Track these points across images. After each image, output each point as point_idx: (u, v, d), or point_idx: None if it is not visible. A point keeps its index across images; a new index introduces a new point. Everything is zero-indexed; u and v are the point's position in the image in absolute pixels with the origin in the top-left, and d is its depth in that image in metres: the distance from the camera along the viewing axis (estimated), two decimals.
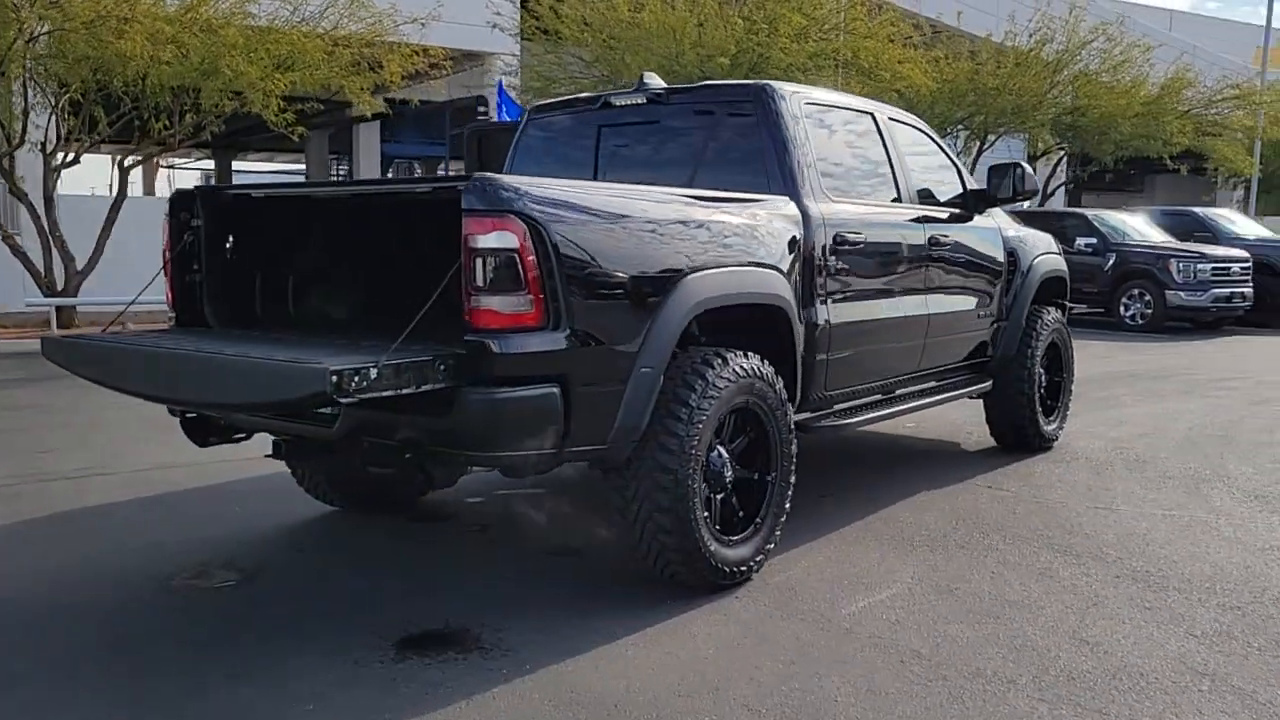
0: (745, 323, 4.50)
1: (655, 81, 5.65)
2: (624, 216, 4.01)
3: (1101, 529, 5.29)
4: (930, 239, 5.89)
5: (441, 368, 3.57)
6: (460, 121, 27.85)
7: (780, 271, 4.65)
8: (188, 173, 47.95)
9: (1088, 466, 6.72)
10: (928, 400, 6.01)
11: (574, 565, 4.74)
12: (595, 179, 5.56)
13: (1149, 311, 16.64)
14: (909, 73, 18.28)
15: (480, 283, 3.60)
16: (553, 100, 6.20)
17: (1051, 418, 7.22)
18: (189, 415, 4.43)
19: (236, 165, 41.34)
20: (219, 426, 4.45)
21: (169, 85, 13.70)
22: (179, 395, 3.88)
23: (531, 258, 3.62)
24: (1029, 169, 6.30)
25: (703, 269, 4.21)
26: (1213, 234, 18.91)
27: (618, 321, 3.93)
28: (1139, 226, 18.22)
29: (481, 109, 23.38)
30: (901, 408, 5.75)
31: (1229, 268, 16.75)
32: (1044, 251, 7.16)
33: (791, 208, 4.86)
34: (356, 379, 3.30)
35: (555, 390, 3.72)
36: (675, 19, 16.93)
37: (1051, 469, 6.64)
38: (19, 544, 5.05)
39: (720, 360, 4.24)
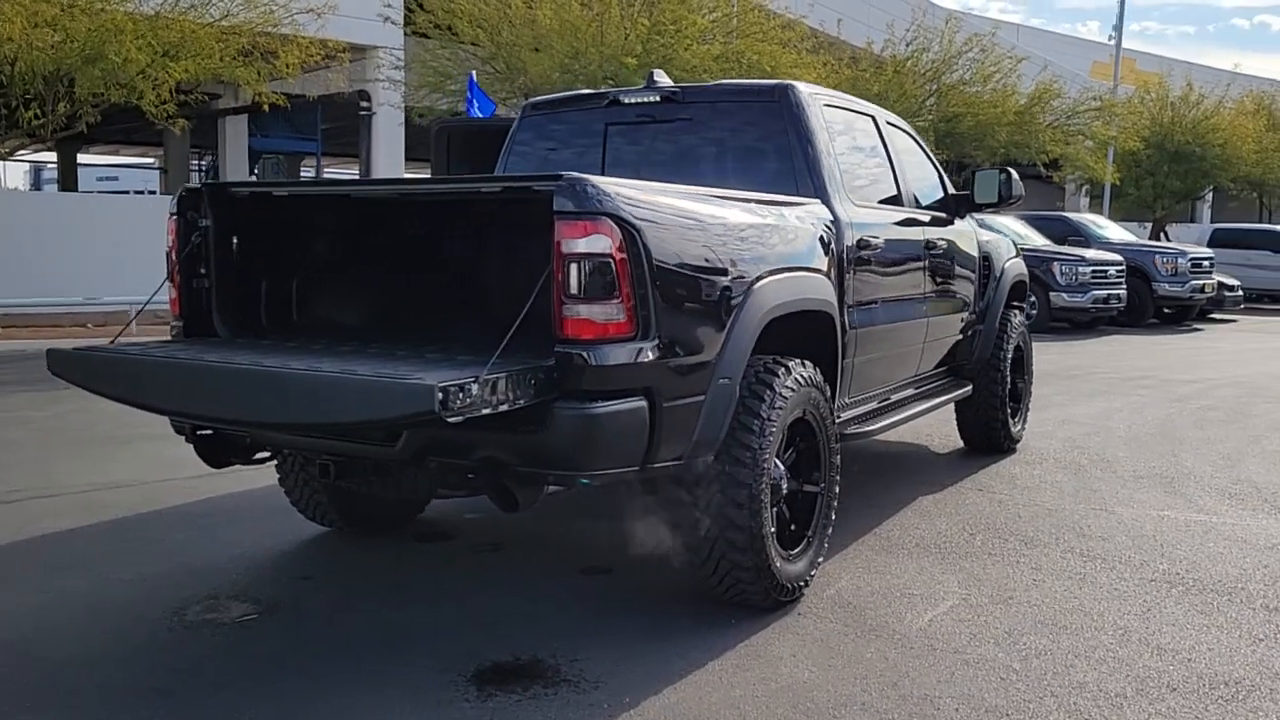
0: (795, 330, 4.36)
1: (664, 80, 5.46)
2: (706, 219, 3.83)
3: (1111, 531, 5.36)
4: (926, 242, 5.87)
5: (533, 381, 3.32)
6: (335, 117, 27.09)
7: (826, 276, 4.54)
8: (15, 165, 45.02)
9: (1060, 467, 6.84)
10: (927, 405, 5.99)
11: (612, 585, 4.51)
12: None
13: (1034, 313, 17.30)
14: (804, 77, 18.49)
15: (574, 290, 3.35)
16: (550, 97, 5.93)
17: (1016, 419, 7.33)
18: (203, 433, 4.03)
19: (82, 159, 39.08)
20: (242, 446, 4.07)
21: (42, 72, 12.75)
22: (242, 414, 3.49)
23: (625, 263, 3.40)
24: (1016, 175, 6.36)
25: (771, 274, 4.06)
26: (1084, 238, 19.83)
27: (700, 330, 3.74)
28: (1020, 231, 18.93)
29: (365, 104, 22.75)
30: (910, 413, 5.71)
31: (1106, 270, 17.60)
32: (1012, 256, 7.28)
33: (824, 211, 4.75)
34: (461, 395, 3.03)
35: (644, 404, 3.51)
36: (574, 17, 16.69)
37: (1029, 471, 6.73)
38: None
39: (784, 369, 4.09)
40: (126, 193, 45.40)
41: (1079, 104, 24.82)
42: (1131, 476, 6.62)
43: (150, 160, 47.07)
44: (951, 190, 6.57)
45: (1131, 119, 27.26)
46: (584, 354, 3.37)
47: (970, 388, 6.69)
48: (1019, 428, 7.36)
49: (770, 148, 5.04)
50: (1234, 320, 21.19)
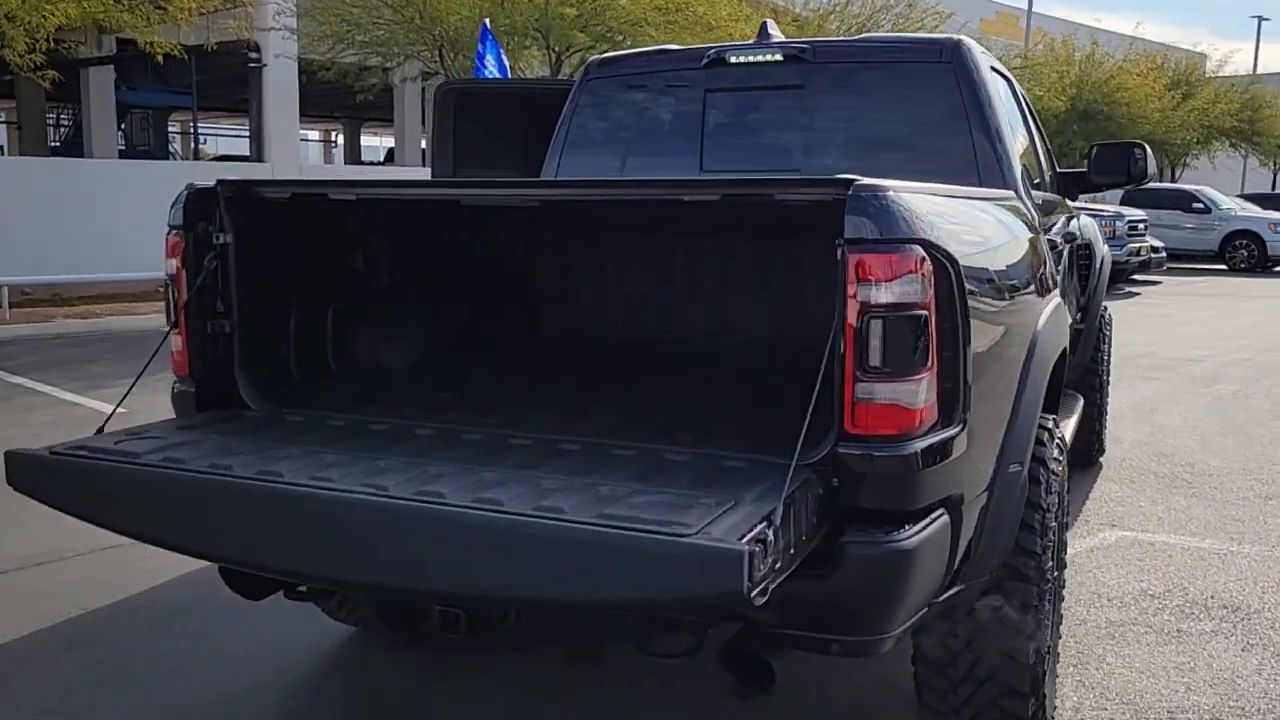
0: None
1: (778, 32, 4.26)
2: (999, 238, 2.70)
3: None
4: (1067, 235, 4.85)
5: (813, 505, 2.16)
6: (210, 68, 24.76)
7: (1061, 297, 3.46)
8: None
9: (1171, 487, 5.97)
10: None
11: (784, 715, 3.38)
12: (700, 167, 4.13)
13: None
14: (742, 31, 17.36)
15: (874, 360, 2.19)
16: (624, 54, 4.65)
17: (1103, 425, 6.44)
18: None
19: None
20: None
21: None
22: (375, 575, 2.19)
23: (938, 316, 2.25)
24: (1149, 150, 5.37)
25: (1046, 308, 2.96)
26: None
27: (995, 400, 2.62)
28: None
29: (254, 55, 20.67)
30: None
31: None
32: (1103, 240, 6.34)
33: (1026, 210, 3.66)
34: (765, 555, 1.85)
35: (947, 520, 2.38)
36: None
37: (1143, 495, 5.82)
38: None
39: (1049, 435, 3.00)
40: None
41: (1004, 62, 24.32)
42: (1258, 497, 5.78)
43: None
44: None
45: (1052, 78, 26.98)
46: (886, 456, 2.21)
47: (1082, 400, 5.73)
48: (1104, 434, 6.48)
49: (938, 124, 3.90)
50: (1159, 282, 21.07)
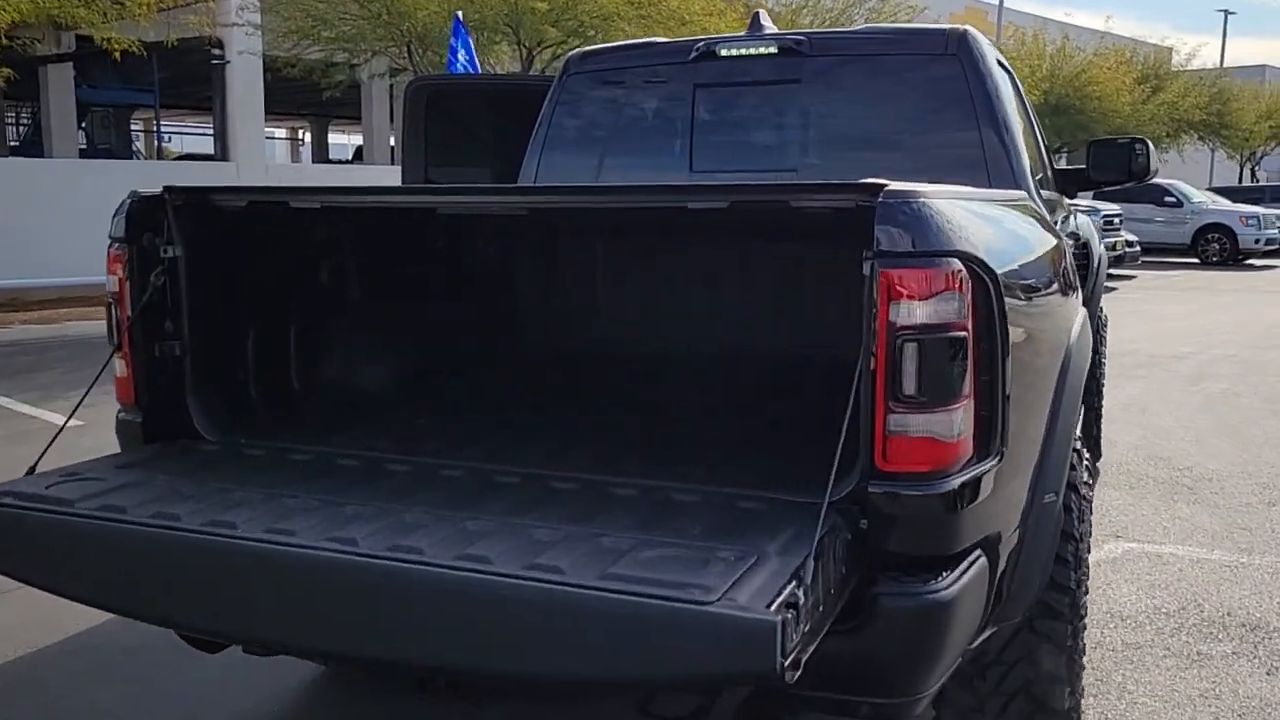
0: None
1: (771, 24, 4.01)
2: (1035, 243, 2.47)
3: None
4: (1070, 234, 4.63)
5: (841, 552, 1.91)
6: (173, 66, 24.25)
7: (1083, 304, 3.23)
8: None
9: (1173, 493, 5.77)
10: None
11: None
12: (690, 168, 3.88)
13: None
14: (716, 26, 17.11)
15: (908, 389, 1.94)
16: (607, 46, 4.39)
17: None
18: None
19: None
20: None
21: None
22: (345, 644, 1.92)
23: (976, 338, 2.01)
24: (1151, 147, 5.16)
25: (1075, 321, 2.73)
26: None
27: (1031, 425, 2.38)
28: None
29: (217, 51, 20.20)
30: None
31: None
32: (1099, 237, 6.14)
33: (1038, 209, 3.43)
34: (796, 622, 1.61)
35: (985, 562, 2.14)
36: None
37: (1145, 504, 5.62)
38: None
39: (1078, 457, 2.77)
40: None
41: None
42: (1263, 503, 5.59)
43: None
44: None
45: (1024, 72, 26.91)
46: (921, 496, 1.97)
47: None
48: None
49: (944, 120, 3.67)
50: (1134, 277, 21.02)
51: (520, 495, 2.16)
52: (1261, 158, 39.93)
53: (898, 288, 1.91)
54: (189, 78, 24.33)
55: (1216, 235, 24.39)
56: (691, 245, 3.30)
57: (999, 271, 2.06)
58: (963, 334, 1.96)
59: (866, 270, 1.95)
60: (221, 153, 21.07)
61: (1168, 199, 24.85)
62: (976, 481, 2.04)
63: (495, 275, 3.49)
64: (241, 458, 2.46)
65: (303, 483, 2.26)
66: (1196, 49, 61.84)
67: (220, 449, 2.53)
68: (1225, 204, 25.69)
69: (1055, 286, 2.65)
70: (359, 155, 33.29)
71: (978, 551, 2.11)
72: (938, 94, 3.66)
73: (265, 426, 2.72)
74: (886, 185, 1.97)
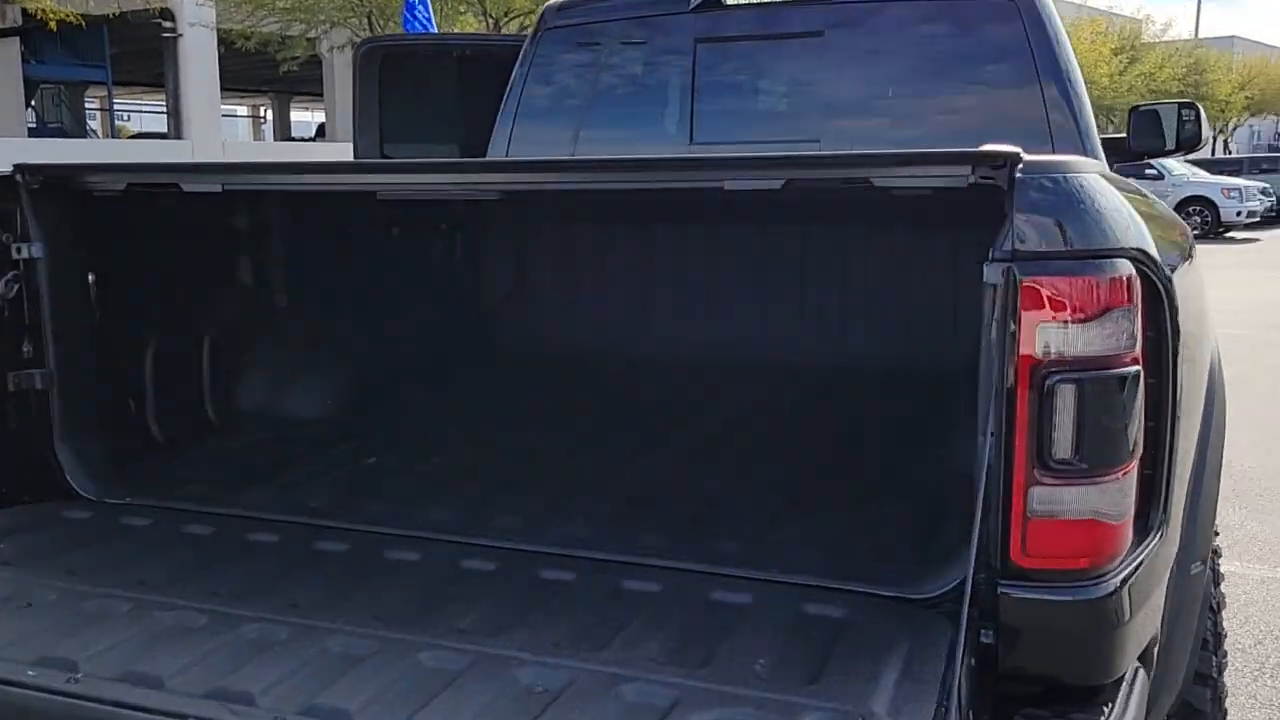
0: None
1: None
2: (1178, 239, 1.87)
3: None
4: None
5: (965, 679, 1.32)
6: (125, 40, 23.25)
7: None
8: None
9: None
10: None
11: None
12: (691, 138, 3.26)
13: None
14: None
15: (1064, 449, 1.34)
16: None
17: None
18: None
19: None
20: None
21: None
22: None
23: (1147, 371, 1.42)
24: (1202, 112, 4.58)
25: (1213, 338, 2.14)
26: None
27: (1180, 481, 1.78)
28: None
29: (168, 24, 19.27)
30: None
31: None
32: None
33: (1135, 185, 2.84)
34: None
35: (1145, 678, 1.55)
36: None
37: None
38: None
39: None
40: None
41: None
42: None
43: None
44: None
45: None
46: (1075, 603, 1.38)
47: None
48: None
49: (998, 78, 3.07)
50: None
51: (497, 593, 1.55)
52: (1234, 129, 39.77)
53: (1051, 303, 1.31)
54: (144, 53, 23.37)
55: (1198, 208, 24.03)
56: (725, 234, 2.68)
57: (1174, 288, 1.46)
58: (1135, 368, 1.36)
59: (992, 277, 1.35)
60: (175, 130, 20.18)
61: (1149, 171, 24.43)
62: (1141, 573, 1.45)
63: (458, 273, 2.86)
64: (118, 530, 1.82)
65: (195, 575, 1.63)
66: (1171, 20, 61.65)
67: (94, 517, 1.89)
68: (1206, 176, 25.34)
69: (1202, 292, 2.05)
70: (321, 132, 32.36)
71: (1136, 665, 1.52)
72: (993, 47, 3.06)
73: (167, 470, 2.09)
74: (1021, 155, 1.37)
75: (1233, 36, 47.39)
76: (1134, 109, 4.72)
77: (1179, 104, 4.61)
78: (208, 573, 1.64)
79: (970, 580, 1.34)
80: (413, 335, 2.74)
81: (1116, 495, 1.37)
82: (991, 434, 1.36)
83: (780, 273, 2.68)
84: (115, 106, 30.97)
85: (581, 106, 3.51)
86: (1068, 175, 1.35)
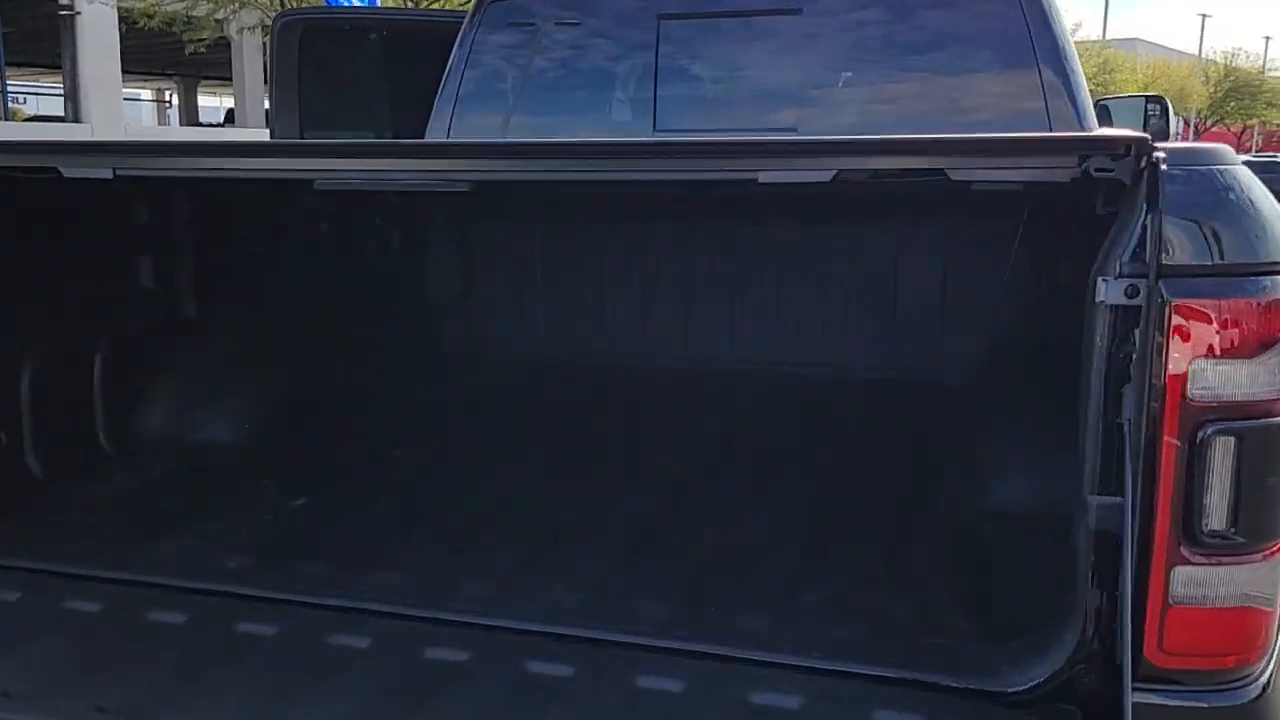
0: None
1: None
2: None
3: None
4: None
5: None
6: (21, 19, 22.06)
7: None
8: None
9: None
10: None
11: None
12: (653, 126, 2.95)
13: None
14: None
15: (1219, 517, 1.05)
16: None
17: None
18: None
19: None
20: None
21: None
22: None
23: None
24: (1168, 105, 4.42)
25: None
26: None
27: None
28: None
29: (64, 2, 18.25)
30: None
31: None
32: None
33: None
34: None
35: None
36: None
37: None
38: None
39: None
40: None
41: None
42: None
43: None
44: None
45: None
46: (1224, 709, 1.10)
47: None
48: None
49: (990, 61, 2.82)
50: None
51: (483, 697, 1.20)
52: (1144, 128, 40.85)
53: (1208, 334, 1.01)
54: (42, 32, 22.25)
55: None
56: (754, 235, 2.35)
57: None
58: None
59: (1113, 295, 1.06)
60: (73, 114, 19.20)
61: None
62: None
63: (407, 272, 2.50)
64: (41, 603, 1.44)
65: (74, 679, 1.26)
66: (1080, 22, 62.98)
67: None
68: None
69: None
70: (230, 118, 31.24)
71: None
72: (985, 27, 2.80)
73: (42, 528, 1.71)
74: (1151, 140, 1.07)
75: (1134, 39, 48.53)
76: (1099, 102, 4.55)
77: (1145, 97, 4.48)
78: (92, 678, 1.26)
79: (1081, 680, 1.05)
80: (349, 346, 2.37)
81: (1270, 575, 1.09)
82: (1115, 497, 1.06)
83: (815, 290, 2.38)
84: (9, 88, 29.44)
85: (536, 90, 3.17)
86: (1221, 169, 1.06)
